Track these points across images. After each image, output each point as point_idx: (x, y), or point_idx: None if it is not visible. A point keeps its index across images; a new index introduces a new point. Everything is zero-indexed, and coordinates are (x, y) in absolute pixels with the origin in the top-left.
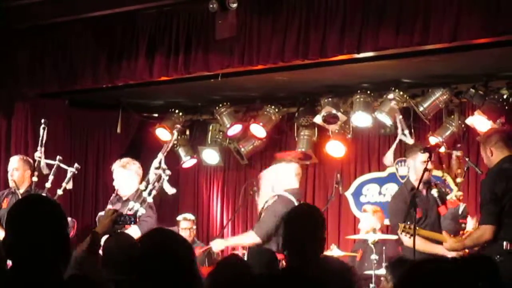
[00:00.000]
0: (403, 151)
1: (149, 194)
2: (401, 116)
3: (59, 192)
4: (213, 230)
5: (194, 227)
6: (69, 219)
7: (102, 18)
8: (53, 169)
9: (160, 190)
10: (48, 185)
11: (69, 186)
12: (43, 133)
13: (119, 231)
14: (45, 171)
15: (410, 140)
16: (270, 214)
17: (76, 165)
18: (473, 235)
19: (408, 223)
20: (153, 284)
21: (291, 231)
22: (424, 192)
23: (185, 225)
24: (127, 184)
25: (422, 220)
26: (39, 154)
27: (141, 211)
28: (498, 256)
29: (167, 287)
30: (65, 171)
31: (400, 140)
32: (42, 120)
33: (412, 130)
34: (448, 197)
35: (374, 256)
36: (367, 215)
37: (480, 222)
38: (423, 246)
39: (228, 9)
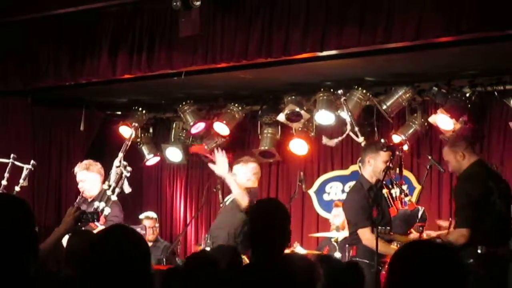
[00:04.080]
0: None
1: (113, 192)
2: (350, 113)
3: (17, 188)
4: (176, 227)
5: (157, 225)
6: None
7: (65, 16)
8: (8, 167)
9: (122, 189)
10: (4, 182)
11: (25, 183)
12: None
13: (82, 228)
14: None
15: (360, 139)
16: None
17: (32, 161)
18: (449, 238)
19: (387, 228)
20: (101, 282)
21: (256, 226)
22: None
23: (147, 223)
24: (93, 185)
25: (379, 219)
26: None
27: (107, 210)
28: (471, 260)
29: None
30: (22, 169)
31: (365, 137)
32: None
33: (376, 128)
34: (406, 199)
35: (338, 254)
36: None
37: (456, 225)
38: (384, 247)
39: (191, 7)
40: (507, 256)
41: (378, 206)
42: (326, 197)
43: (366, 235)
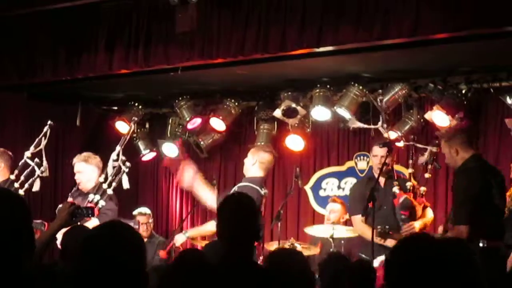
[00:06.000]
0: (361, 146)
1: (109, 186)
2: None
3: (21, 192)
4: (172, 223)
5: (151, 220)
6: (39, 221)
7: (62, 10)
8: (19, 166)
9: (119, 183)
10: (12, 177)
11: (36, 188)
12: (43, 134)
13: (78, 224)
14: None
15: (386, 134)
16: None
17: (42, 167)
18: (450, 235)
19: (387, 227)
20: (93, 280)
21: (221, 222)
22: (382, 183)
23: (141, 219)
24: (90, 178)
25: (375, 210)
26: (28, 153)
27: (101, 203)
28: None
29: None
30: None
31: (360, 134)
32: (49, 122)
33: (371, 125)
34: (407, 184)
35: (333, 250)
36: (338, 206)
37: (455, 222)
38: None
39: (188, 3)
40: (503, 251)
41: (376, 198)
42: (322, 193)
43: (355, 223)
